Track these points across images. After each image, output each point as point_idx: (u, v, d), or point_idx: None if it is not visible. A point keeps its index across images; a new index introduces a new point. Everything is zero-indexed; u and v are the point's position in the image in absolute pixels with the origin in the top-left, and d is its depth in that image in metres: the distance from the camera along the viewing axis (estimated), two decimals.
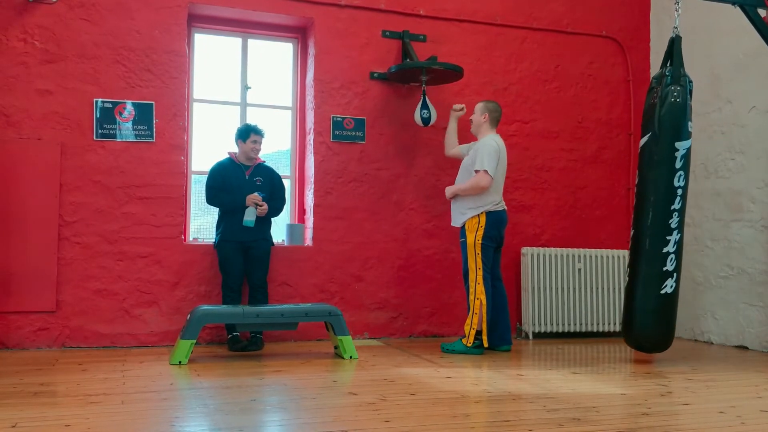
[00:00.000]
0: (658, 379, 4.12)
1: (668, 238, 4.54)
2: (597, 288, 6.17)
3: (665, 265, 4.54)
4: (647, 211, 4.60)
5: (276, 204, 5.36)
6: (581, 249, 6.20)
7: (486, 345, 5.05)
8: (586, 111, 6.55)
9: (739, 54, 5.74)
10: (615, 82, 6.65)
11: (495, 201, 5.14)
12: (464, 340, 5.05)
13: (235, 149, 5.38)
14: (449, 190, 5.26)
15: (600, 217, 6.53)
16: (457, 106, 5.62)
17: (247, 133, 5.28)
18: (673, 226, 4.55)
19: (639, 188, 4.71)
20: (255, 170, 5.33)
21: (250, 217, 5.18)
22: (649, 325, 4.62)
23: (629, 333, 4.72)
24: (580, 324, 6.10)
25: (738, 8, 4.80)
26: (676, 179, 4.54)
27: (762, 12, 4.77)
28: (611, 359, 5.02)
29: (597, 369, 4.49)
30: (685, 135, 4.56)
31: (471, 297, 5.06)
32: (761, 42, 4.89)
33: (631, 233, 4.76)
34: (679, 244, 4.59)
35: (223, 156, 5.41)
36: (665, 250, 4.54)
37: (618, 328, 6.17)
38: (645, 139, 4.67)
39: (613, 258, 6.24)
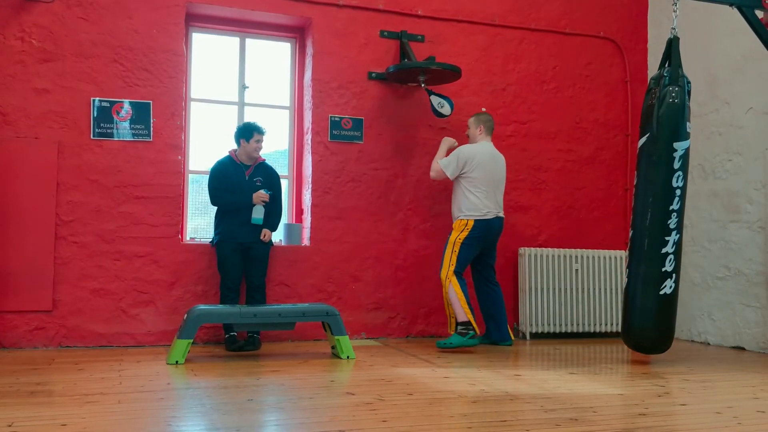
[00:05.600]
0: (656, 380, 4.13)
1: (667, 238, 4.53)
2: (594, 288, 6.17)
3: (664, 266, 4.53)
4: (645, 212, 4.59)
5: (274, 220, 5.35)
6: (578, 249, 6.20)
7: (478, 332, 5.18)
8: (583, 112, 6.55)
9: (736, 55, 5.74)
10: (613, 82, 6.66)
11: (483, 210, 5.29)
12: (450, 330, 5.28)
13: (233, 146, 5.36)
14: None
15: (597, 217, 6.54)
16: (453, 142, 5.63)
17: (251, 132, 5.24)
18: (672, 226, 4.54)
19: (637, 189, 4.70)
20: (255, 170, 5.31)
21: (258, 215, 5.19)
22: (648, 325, 4.60)
23: (628, 333, 4.71)
24: (578, 324, 6.10)
25: (735, 9, 4.80)
26: (674, 180, 4.54)
27: (759, 13, 4.77)
28: (608, 360, 5.03)
29: (594, 369, 4.49)
30: (684, 135, 4.56)
31: (444, 290, 5.27)
32: (759, 43, 4.89)
33: (630, 234, 4.75)
34: (678, 244, 4.59)
35: (222, 154, 5.39)
36: (664, 250, 4.53)
37: (615, 329, 6.19)
38: (643, 139, 4.66)
39: (610, 258, 6.25)
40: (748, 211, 5.60)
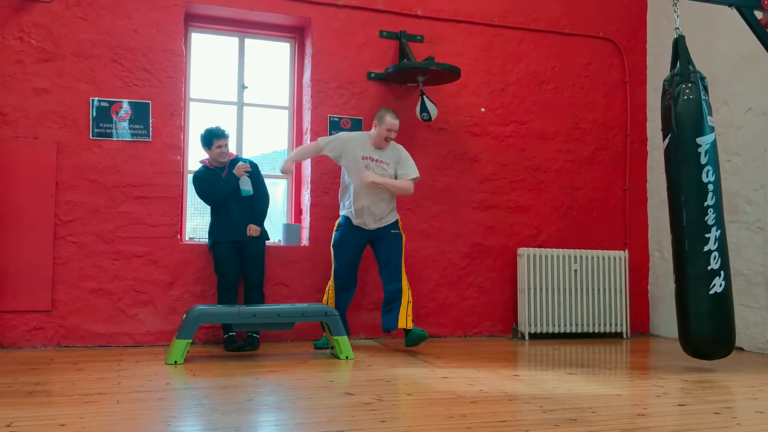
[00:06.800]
0: (654, 380, 4.13)
1: (707, 235, 4.36)
2: (593, 289, 6.18)
3: (709, 264, 4.35)
4: (681, 212, 4.45)
5: (259, 213, 5.32)
6: (577, 250, 6.21)
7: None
8: (582, 112, 6.55)
9: (735, 56, 5.75)
10: (612, 83, 6.66)
11: None
12: (404, 325, 5.11)
13: (204, 155, 5.33)
14: (375, 180, 5.16)
15: (596, 218, 6.54)
16: (287, 171, 5.25)
17: (210, 140, 5.19)
18: (710, 223, 4.37)
19: (669, 191, 4.56)
20: (230, 169, 5.28)
21: (246, 186, 5.23)
22: (703, 329, 4.38)
23: (685, 340, 4.50)
24: (577, 325, 6.11)
25: (734, 10, 4.80)
26: (704, 175, 4.39)
27: (758, 14, 4.78)
28: (607, 360, 5.03)
29: (593, 370, 4.49)
30: (707, 130, 4.44)
31: (406, 289, 5.19)
32: (757, 44, 4.89)
33: (671, 238, 4.57)
34: (722, 240, 4.41)
35: (197, 166, 5.36)
36: (706, 248, 4.36)
37: (614, 329, 6.20)
38: (666, 141, 4.55)
39: (609, 259, 6.25)
40: (747, 211, 5.60)
